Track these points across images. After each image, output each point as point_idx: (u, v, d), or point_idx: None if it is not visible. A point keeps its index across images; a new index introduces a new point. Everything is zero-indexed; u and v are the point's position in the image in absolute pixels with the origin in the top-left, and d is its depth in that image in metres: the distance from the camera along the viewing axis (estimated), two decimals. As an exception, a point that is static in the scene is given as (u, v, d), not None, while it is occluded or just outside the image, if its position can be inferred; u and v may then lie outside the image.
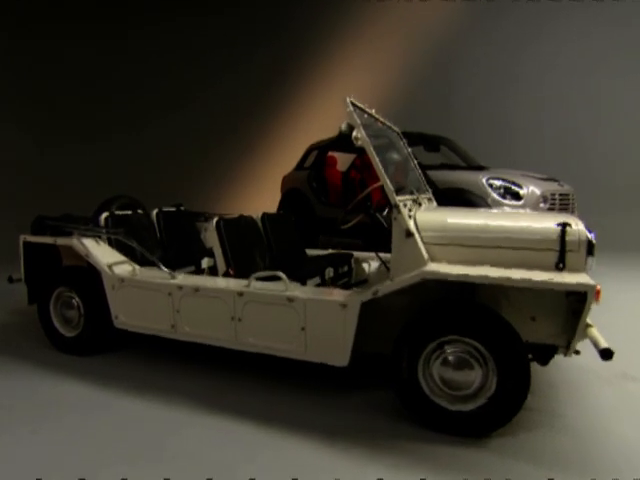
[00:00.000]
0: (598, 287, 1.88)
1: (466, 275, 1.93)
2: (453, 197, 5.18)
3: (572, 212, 5.39)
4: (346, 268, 3.38)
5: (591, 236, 2.07)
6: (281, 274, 2.38)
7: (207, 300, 2.49)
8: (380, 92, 10.32)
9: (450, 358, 2.03)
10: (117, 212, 3.35)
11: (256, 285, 2.41)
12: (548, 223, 2.11)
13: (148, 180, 10.84)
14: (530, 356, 2.20)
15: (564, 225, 2.04)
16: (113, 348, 3.10)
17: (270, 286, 2.40)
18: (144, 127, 11.69)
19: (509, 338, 1.93)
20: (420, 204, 2.67)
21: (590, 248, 2.04)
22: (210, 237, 3.04)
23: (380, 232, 2.51)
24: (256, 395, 2.47)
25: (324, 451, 1.97)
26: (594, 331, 2.06)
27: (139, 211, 3.58)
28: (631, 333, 3.41)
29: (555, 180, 5.50)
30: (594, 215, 7.44)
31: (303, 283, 2.64)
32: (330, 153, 7.65)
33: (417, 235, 2.17)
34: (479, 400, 2.01)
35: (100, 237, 3.04)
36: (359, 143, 2.19)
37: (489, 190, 5.03)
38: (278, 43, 11.43)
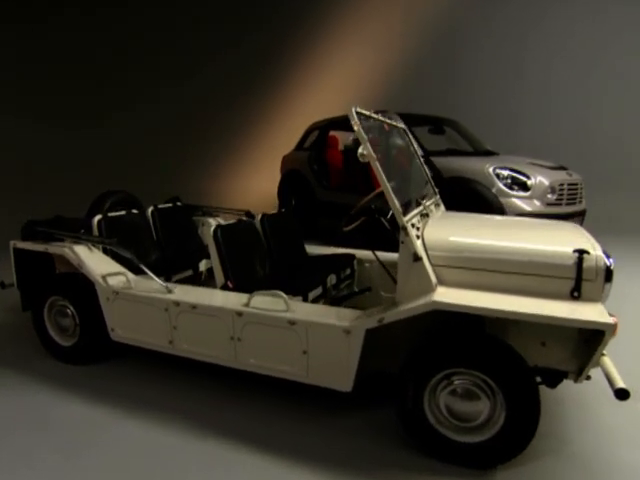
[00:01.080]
0: (615, 320, 1.79)
1: (478, 308, 1.83)
2: (458, 186, 5.04)
3: (580, 202, 5.25)
4: (348, 271, 3.28)
5: (609, 262, 1.96)
6: (281, 294, 2.28)
7: (205, 318, 2.40)
8: (381, 70, 9.93)
9: (458, 390, 1.96)
10: (110, 214, 3.21)
11: (256, 304, 2.32)
12: (564, 246, 1.99)
13: (147, 160, 10.62)
14: (539, 379, 2.14)
15: (581, 252, 1.93)
16: (112, 356, 3.03)
17: (270, 305, 2.30)
18: (139, 106, 11.35)
19: (520, 374, 1.85)
20: (428, 214, 2.54)
21: (608, 275, 1.94)
22: (207, 240, 2.93)
23: (384, 235, 2.41)
24: (253, 414, 2.41)
25: (327, 484, 1.93)
26: (608, 362, 1.99)
27: (134, 210, 3.44)
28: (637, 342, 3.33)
29: (564, 168, 5.33)
30: (602, 200, 7.32)
31: (305, 296, 2.55)
32: (331, 133, 7.41)
33: (425, 258, 2.06)
34: (486, 433, 1.95)
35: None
36: (365, 159, 2.05)
37: (495, 180, 4.88)
38: (277, 19, 10.95)
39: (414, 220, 2.17)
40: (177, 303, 2.45)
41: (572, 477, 1.94)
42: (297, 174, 7.36)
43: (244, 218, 3.15)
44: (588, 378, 2.12)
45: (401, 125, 3.17)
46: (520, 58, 9.25)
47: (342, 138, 7.84)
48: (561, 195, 4.93)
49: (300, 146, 7.70)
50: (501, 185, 4.85)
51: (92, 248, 2.90)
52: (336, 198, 6.64)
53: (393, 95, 9.58)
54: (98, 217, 3.11)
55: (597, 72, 8.77)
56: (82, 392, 2.64)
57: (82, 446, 2.19)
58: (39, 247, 2.90)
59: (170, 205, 3.83)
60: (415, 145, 5.24)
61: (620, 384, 1.78)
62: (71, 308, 2.87)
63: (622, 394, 1.75)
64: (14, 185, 9.04)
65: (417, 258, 2.02)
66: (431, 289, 2.00)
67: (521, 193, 4.81)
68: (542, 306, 1.83)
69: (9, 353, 3.18)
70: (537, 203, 4.78)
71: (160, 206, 3.69)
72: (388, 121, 2.78)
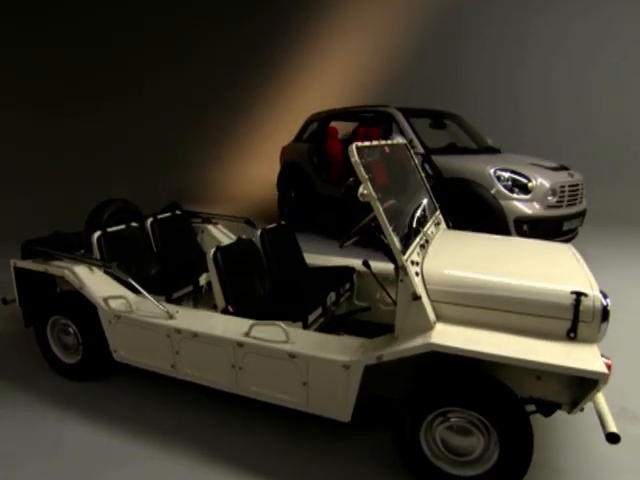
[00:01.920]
0: (609, 363, 1.82)
1: (473, 352, 1.86)
2: (458, 188, 5.02)
3: (580, 202, 5.23)
4: (348, 285, 3.30)
5: (606, 302, 1.98)
6: (281, 324, 2.31)
7: (207, 346, 2.43)
8: (382, 59, 9.71)
9: (454, 426, 2.01)
10: (110, 230, 3.20)
11: (256, 334, 2.35)
12: (562, 284, 2.01)
13: (147, 146, 10.49)
14: (534, 408, 2.19)
15: (579, 294, 1.94)
16: (118, 372, 3.06)
17: (270, 334, 2.33)
18: (137, 93, 11.13)
19: (515, 416, 1.90)
20: (428, 241, 2.54)
21: (605, 315, 1.96)
22: (206, 248, 2.90)
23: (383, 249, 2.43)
24: (251, 437, 2.47)
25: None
26: (601, 401, 2.03)
27: (133, 223, 3.43)
28: (637, 345, 3.34)
29: (565, 168, 5.28)
30: (602, 193, 7.29)
31: (305, 322, 2.58)
32: (331, 124, 7.30)
33: (425, 295, 2.08)
34: (480, 468, 2.01)
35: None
36: (366, 199, 2.04)
37: (496, 182, 4.84)
38: (277, 4, 10.60)
39: (414, 256, 2.17)
40: (178, 330, 2.48)
41: (563, 508, 2.01)
42: (297, 167, 7.29)
43: (243, 236, 3.14)
44: (582, 410, 2.17)
45: (402, 141, 3.13)
46: (523, 49, 9.04)
47: (341, 129, 7.75)
48: (562, 197, 4.91)
49: (299, 137, 7.61)
50: (501, 187, 4.82)
51: (93, 268, 2.90)
52: (336, 192, 6.61)
53: (394, 82, 9.42)
54: (97, 234, 3.10)
55: (598, 61, 8.60)
56: (86, 412, 2.69)
57: (92, 474, 2.24)
58: (39, 267, 2.91)
59: (169, 214, 3.81)
60: (417, 146, 5.16)
61: (612, 428, 1.82)
62: (73, 327, 2.90)
63: (613, 438, 1.79)
64: (14, 180, 8.96)
65: (416, 297, 2.03)
66: (429, 327, 2.02)
67: (522, 196, 4.78)
68: (537, 350, 1.85)
69: (12, 366, 3.22)
70: (537, 206, 4.77)
71: (159, 216, 3.68)
72: (389, 142, 2.75)
